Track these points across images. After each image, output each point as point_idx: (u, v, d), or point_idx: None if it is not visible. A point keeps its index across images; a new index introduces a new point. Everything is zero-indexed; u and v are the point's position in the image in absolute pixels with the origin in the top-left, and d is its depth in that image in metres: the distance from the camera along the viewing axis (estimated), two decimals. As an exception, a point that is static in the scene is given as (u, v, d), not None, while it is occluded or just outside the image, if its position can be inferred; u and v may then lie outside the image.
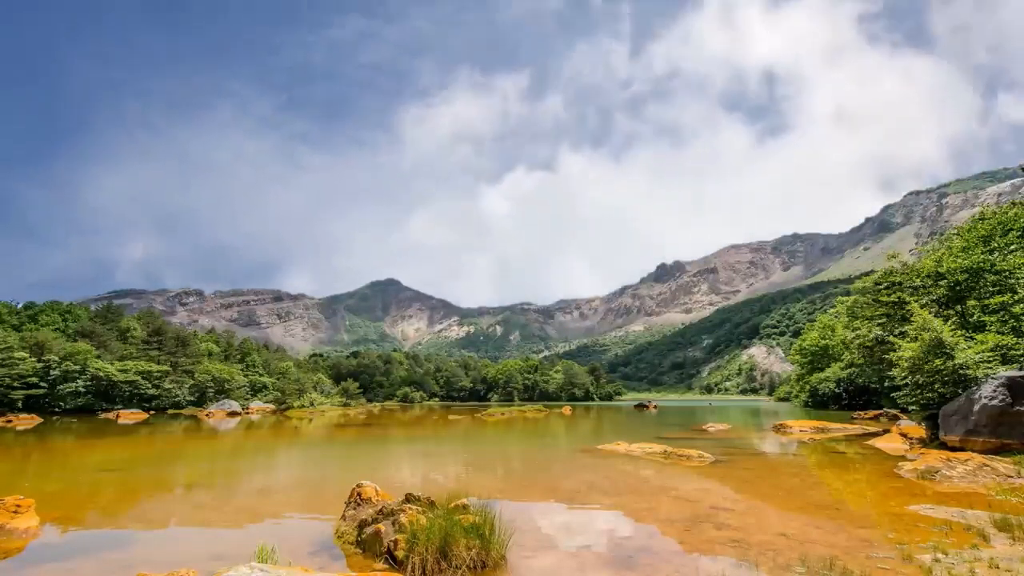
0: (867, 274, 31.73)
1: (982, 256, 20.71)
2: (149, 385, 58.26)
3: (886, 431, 20.18)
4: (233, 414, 50.93)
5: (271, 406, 64.27)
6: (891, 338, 21.70)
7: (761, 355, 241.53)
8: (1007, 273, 19.49)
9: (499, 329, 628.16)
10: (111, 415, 47.15)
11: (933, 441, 15.14)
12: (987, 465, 10.74)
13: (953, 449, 13.16)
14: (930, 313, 18.87)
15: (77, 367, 52.99)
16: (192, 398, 64.59)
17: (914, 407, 18.14)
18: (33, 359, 49.98)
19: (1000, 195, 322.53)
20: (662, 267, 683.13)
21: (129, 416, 45.58)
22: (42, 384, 50.35)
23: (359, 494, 7.25)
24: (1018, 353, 16.18)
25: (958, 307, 21.28)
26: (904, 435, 17.61)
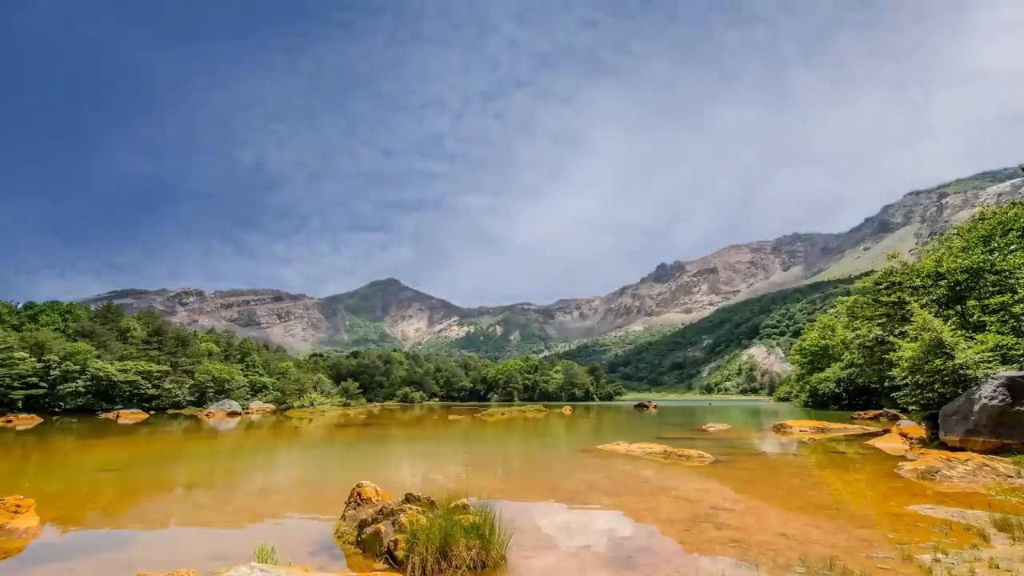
0: (867, 274, 31.75)
1: (982, 256, 20.71)
2: (149, 385, 58.27)
3: (886, 431, 20.18)
4: (233, 414, 50.92)
5: (271, 406, 64.26)
6: (891, 338, 21.71)
7: (761, 355, 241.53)
8: (1007, 273, 19.49)
9: (499, 329, 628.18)
10: (111, 415, 47.16)
11: (933, 441, 15.14)
12: (987, 465, 10.74)
13: (953, 449, 13.16)
14: (930, 313, 18.87)
15: (77, 367, 53.00)
16: (192, 398, 64.60)
17: (914, 407, 18.14)
18: (33, 359, 49.99)
19: (1000, 195, 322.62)
20: (662, 267, 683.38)
21: (129, 416, 45.59)
22: (42, 384, 50.36)
23: (359, 494, 7.25)
24: (1018, 353, 16.17)
25: (958, 307, 21.27)
26: (904, 435, 17.61)
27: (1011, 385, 12.49)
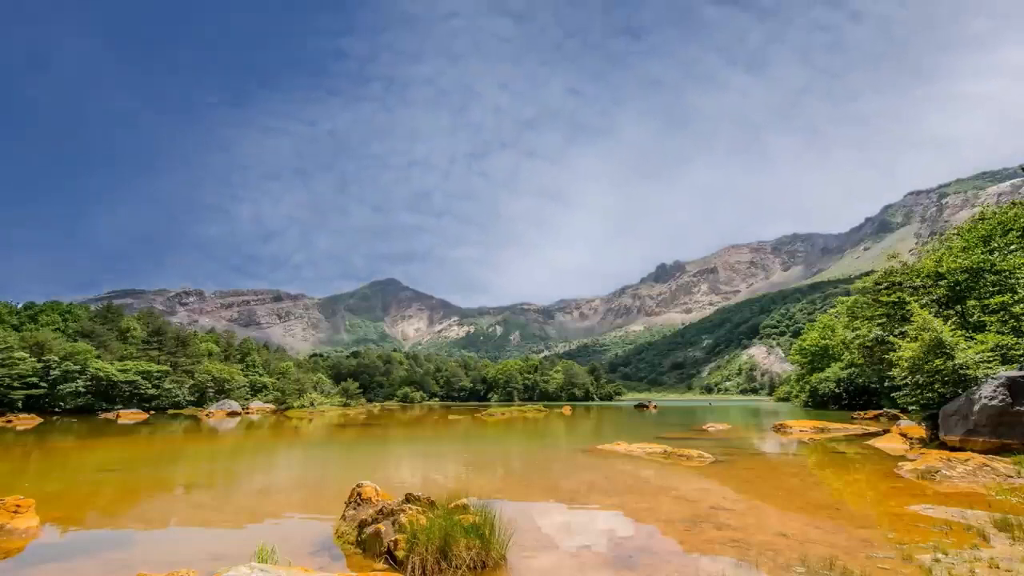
0: (867, 274, 31.76)
1: (982, 256, 20.72)
2: (149, 385, 58.27)
3: (886, 431, 20.17)
4: (233, 414, 50.94)
5: (271, 406, 64.27)
6: (891, 338, 21.71)
7: (761, 355, 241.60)
8: (1007, 273, 19.50)
9: (499, 329, 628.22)
10: (111, 415, 47.15)
11: (933, 441, 15.14)
12: (987, 465, 10.74)
13: (953, 449, 13.16)
14: (930, 313, 18.87)
15: (77, 367, 52.99)
16: (192, 398, 64.60)
17: (914, 407, 18.15)
18: (33, 359, 49.99)
19: (1000, 195, 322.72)
20: (662, 267, 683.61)
21: (129, 416, 45.59)
22: (42, 384, 50.35)
23: (359, 494, 7.25)
24: (1018, 353, 16.18)
25: (958, 307, 21.29)
26: (904, 435, 17.60)
27: (1011, 385, 12.49)
